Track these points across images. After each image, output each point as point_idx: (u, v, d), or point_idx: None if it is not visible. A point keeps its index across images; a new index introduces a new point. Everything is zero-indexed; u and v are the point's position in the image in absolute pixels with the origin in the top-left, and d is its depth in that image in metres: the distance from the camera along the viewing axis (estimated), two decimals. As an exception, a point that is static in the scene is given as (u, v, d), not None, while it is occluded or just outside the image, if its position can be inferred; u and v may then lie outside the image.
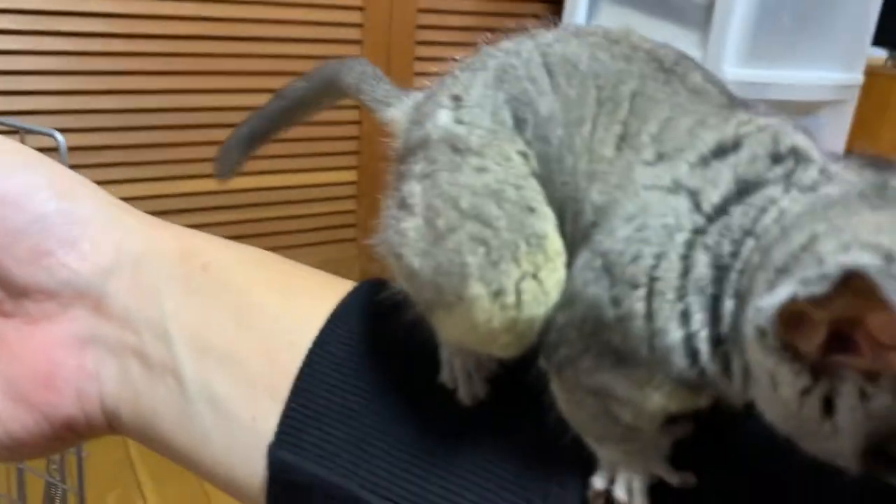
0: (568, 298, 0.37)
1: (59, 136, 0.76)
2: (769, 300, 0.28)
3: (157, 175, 2.10)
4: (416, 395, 0.43)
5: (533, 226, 0.37)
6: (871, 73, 2.33)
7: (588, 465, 0.39)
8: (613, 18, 2.21)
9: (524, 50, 0.41)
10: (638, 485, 0.38)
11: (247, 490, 0.45)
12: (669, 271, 0.33)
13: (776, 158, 0.34)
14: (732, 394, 0.33)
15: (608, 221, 0.35)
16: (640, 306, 0.33)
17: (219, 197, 2.16)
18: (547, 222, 0.37)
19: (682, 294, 0.33)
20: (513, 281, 0.37)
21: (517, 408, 0.42)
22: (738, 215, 0.33)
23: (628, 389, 0.35)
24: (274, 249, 0.52)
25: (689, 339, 0.33)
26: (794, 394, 0.29)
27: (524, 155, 0.38)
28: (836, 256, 0.27)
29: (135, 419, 0.47)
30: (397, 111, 0.47)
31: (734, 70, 1.89)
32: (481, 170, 0.38)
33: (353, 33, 2.25)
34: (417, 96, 0.46)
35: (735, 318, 0.32)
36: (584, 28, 0.42)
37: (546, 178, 0.38)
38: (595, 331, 0.35)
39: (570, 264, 0.37)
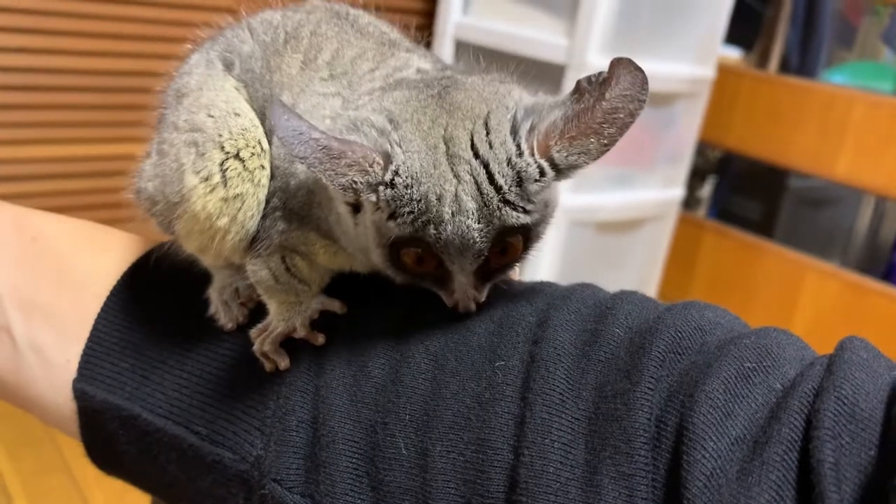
0: (273, 175, 0.49)
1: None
2: None
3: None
4: (189, 330, 0.53)
5: (237, 123, 0.49)
6: (724, 70, 2.48)
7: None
8: (486, 6, 2.27)
9: (233, 26, 0.55)
10: (277, 330, 0.49)
11: (71, 423, 0.54)
12: None
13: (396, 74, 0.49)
14: (337, 237, 0.48)
15: None
16: (302, 176, 0.47)
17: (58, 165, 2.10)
18: (248, 122, 0.49)
19: None
20: (217, 163, 0.48)
21: None
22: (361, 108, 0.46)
23: (305, 244, 0.49)
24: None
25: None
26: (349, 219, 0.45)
27: (236, 88, 0.52)
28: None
29: None
30: None
31: (598, 59, 1.99)
32: (198, 97, 0.51)
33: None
34: None
35: None
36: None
37: (253, 98, 0.51)
38: (285, 198, 0.48)
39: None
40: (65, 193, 2.09)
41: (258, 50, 0.52)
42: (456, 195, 0.42)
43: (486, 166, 0.42)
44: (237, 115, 0.49)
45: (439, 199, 0.42)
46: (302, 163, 0.40)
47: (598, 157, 0.42)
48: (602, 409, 0.43)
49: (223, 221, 0.48)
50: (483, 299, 0.47)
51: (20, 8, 1.92)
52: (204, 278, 0.54)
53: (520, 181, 0.42)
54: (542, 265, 2.09)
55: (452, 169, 0.42)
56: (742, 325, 0.48)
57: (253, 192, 0.48)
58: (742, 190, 2.94)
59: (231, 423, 0.49)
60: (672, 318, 0.45)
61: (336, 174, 0.41)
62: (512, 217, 0.43)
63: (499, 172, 0.42)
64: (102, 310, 0.54)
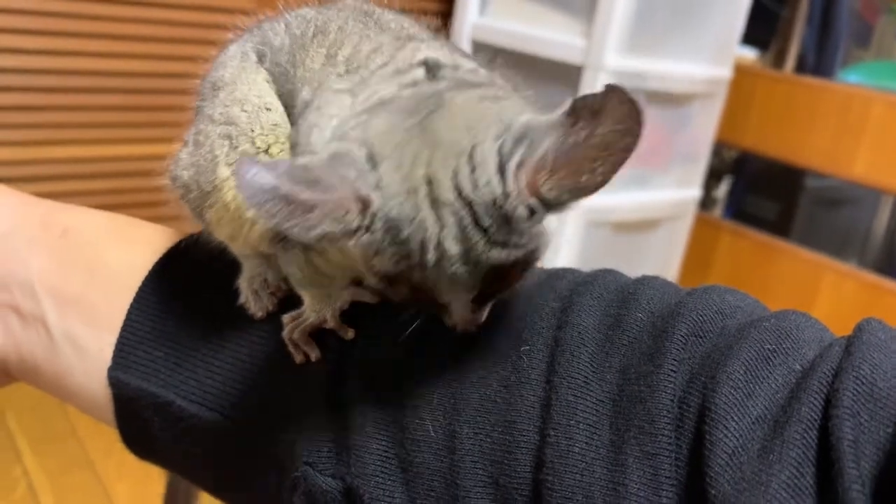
0: None
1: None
2: None
3: (32, 139, 2.04)
4: (220, 318, 0.54)
5: (268, 118, 0.50)
6: (740, 70, 2.48)
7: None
8: (503, 7, 2.28)
9: (272, 18, 0.56)
10: (308, 321, 0.50)
11: (106, 410, 0.55)
12: (320, 143, 0.45)
13: (409, 68, 0.47)
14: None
15: (307, 112, 0.48)
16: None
17: (91, 165, 2.12)
18: (279, 116, 0.50)
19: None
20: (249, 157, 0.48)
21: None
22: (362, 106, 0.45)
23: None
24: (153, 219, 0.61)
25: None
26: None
27: (267, 80, 0.52)
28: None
29: (20, 364, 0.57)
30: None
31: (615, 59, 2.00)
32: (232, 91, 0.52)
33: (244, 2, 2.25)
34: None
35: None
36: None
37: (281, 91, 0.52)
38: None
39: None
40: (87, 193, 2.11)
41: (288, 44, 0.53)
42: (439, 241, 0.40)
43: (469, 207, 0.40)
44: (268, 109, 0.51)
45: (422, 245, 0.40)
46: (271, 222, 0.38)
47: (593, 193, 0.39)
48: (626, 391, 0.44)
49: (252, 213, 0.48)
50: (483, 319, 0.46)
51: (43, 11, 1.95)
52: (234, 268, 0.55)
53: (507, 220, 0.40)
54: (558, 265, 2.10)
55: (435, 212, 0.40)
56: (762, 308, 0.48)
57: None
58: (758, 190, 2.94)
59: (264, 410, 0.51)
60: (693, 303, 0.46)
61: (307, 228, 0.38)
62: (501, 256, 0.41)
63: (485, 214, 0.40)
64: (135, 299, 0.55)
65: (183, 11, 2.12)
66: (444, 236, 0.40)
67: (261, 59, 0.54)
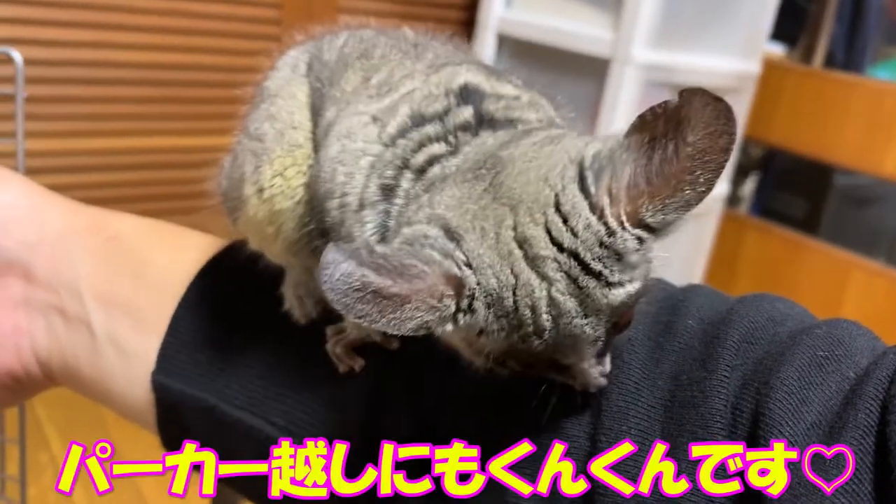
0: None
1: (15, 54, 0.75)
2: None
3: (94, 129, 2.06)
4: (264, 324, 0.54)
5: (292, 137, 0.50)
6: (769, 65, 2.46)
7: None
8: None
9: (334, 31, 0.55)
10: (350, 336, 0.50)
11: (147, 414, 0.56)
12: (354, 187, 0.44)
13: (446, 94, 0.45)
14: None
15: (330, 137, 0.47)
16: (335, 213, 0.45)
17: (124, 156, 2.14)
18: (303, 136, 0.50)
19: (361, 206, 0.44)
20: (268, 178, 0.49)
21: None
22: (402, 147, 0.43)
23: None
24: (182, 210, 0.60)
25: (367, 243, 0.43)
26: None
27: (307, 94, 0.52)
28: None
29: (62, 367, 0.58)
30: None
31: (643, 52, 1.99)
32: (271, 104, 0.52)
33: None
34: None
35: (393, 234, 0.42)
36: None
37: (315, 106, 0.51)
38: (320, 213, 0.47)
39: None
40: (119, 185, 2.13)
41: (334, 60, 0.52)
42: (550, 298, 0.38)
43: (575, 257, 0.37)
44: (295, 128, 0.50)
45: (533, 308, 0.38)
46: (364, 321, 0.36)
47: (698, 204, 0.37)
48: (678, 397, 0.43)
49: (271, 230, 0.51)
50: (609, 367, 0.43)
51: (75, 3, 1.96)
52: (279, 274, 0.55)
53: (619, 257, 0.38)
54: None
55: (538, 272, 0.38)
56: (811, 316, 0.48)
57: (292, 209, 0.50)
58: (786, 187, 2.91)
59: (308, 415, 0.51)
60: (745, 310, 0.46)
61: (402, 321, 0.36)
62: (622, 295, 0.38)
63: (593, 259, 0.37)
64: (180, 304, 0.56)
65: (215, 4, 2.13)
66: (554, 293, 0.38)
67: (310, 70, 0.53)
